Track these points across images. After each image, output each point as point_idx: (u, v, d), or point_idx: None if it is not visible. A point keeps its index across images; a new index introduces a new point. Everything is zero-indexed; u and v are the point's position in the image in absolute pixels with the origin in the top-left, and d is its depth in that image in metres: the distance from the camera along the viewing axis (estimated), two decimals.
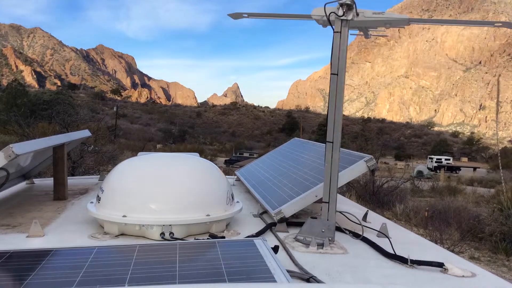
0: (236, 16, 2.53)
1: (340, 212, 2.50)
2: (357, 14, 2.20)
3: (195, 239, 2.11)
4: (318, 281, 1.64)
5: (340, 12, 2.17)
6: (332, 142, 2.24)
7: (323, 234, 2.17)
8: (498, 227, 10.72)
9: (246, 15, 2.50)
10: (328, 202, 2.24)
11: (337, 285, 1.60)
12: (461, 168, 60.54)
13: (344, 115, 2.44)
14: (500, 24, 2.33)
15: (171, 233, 2.13)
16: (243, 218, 2.64)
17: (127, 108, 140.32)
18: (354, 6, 2.18)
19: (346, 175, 2.62)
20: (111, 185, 2.32)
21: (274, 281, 1.34)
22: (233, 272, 1.40)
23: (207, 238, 2.10)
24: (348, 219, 2.55)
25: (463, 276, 1.79)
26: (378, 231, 2.42)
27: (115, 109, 71.98)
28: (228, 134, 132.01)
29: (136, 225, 2.15)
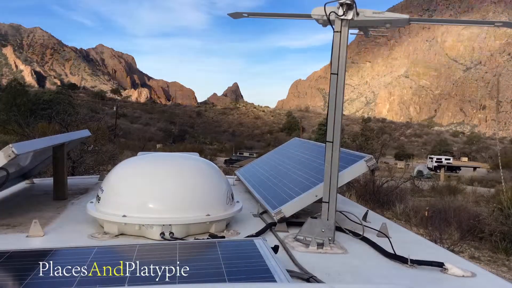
0: (236, 15, 2.53)
1: (340, 211, 2.50)
2: (357, 14, 2.20)
3: (195, 239, 2.11)
4: (318, 281, 1.64)
5: (340, 12, 2.17)
6: (332, 142, 2.24)
7: (323, 234, 2.17)
8: (498, 226, 10.73)
9: (246, 15, 2.51)
10: (328, 202, 2.24)
11: (337, 285, 1.60)
12: (461, 167, 60.53)
13: (344, 115, 2.44)
14: (500, 24, 2.33)
15: (171, 233, 2.13)
16: (243, 218, 2.64)
17: (127, 108, 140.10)
18: (354, 5, 2.17)
19: (346, 175, 2.62)
20: (111, 185, 2.32)
21: (274, 281, 1.34)
22: (233, 272, 1.40)
23: (207, 238, 2.10)
24: (348, 218, 2.55)
25: (463, 276, 1.79)
26: (378, 231, 2.42)
27: (115, 109, 72.07)
28: (228, 133, 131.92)
29: (136, 225, 2.15)
